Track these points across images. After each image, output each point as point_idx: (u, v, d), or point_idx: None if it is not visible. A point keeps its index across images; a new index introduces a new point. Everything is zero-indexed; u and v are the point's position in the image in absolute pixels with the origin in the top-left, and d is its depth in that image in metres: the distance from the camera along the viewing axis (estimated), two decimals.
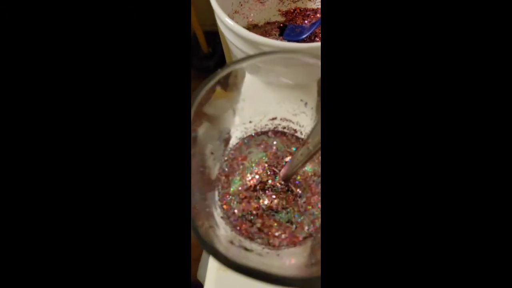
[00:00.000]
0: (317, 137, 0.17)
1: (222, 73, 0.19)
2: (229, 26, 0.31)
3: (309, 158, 0.18)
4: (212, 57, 0.82)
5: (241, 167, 0.25)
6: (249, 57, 0.21)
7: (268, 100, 0.23)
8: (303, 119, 0.24)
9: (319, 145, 0.17)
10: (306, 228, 0.22)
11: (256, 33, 0.29)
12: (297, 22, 0.41)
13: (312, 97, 0.22)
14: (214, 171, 0.25)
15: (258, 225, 0.23)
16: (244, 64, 0.21)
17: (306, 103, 0.23)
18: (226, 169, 0.25)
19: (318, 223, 0.23)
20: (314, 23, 0.38)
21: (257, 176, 0.24)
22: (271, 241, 0.21)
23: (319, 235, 0.22)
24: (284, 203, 0.23)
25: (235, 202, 0.24)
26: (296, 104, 0.23)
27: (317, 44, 0.28)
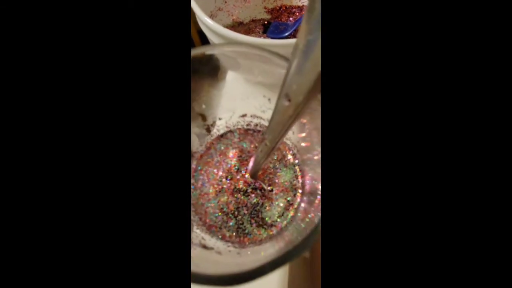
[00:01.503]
0: (272, 133, 0.16)
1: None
2: (207, 25, 0.30)
3: (268, 154, 0.18)
4: None
5: (212, 163, 0.25)
6: (220, 45, 0.20)
7: (233, 96, 0.23)
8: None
9: (276, 141, 0.17)
10: (280, 220, 0.22)
11: (240, 31, 0.29)
12: (282, 20, 0.41)
13: (276, 93, 0.21)
14: None
15: (233, 225, 0.22)
16: (216, 51, 0.21)
17: (269, 99, 0.22)
18: (197, 166, 0.25)
19: (287, 218, 0.22)
20: (297, 20, 0.38)
21: (227, 173, 0.24)
22: (239, 239, 0.21)
23: (288, 232, 0.22)
24: (254, 200, 0.23)
25: (205, 199, 0.23)
26: (261, 100, 0.22)
27: (294, 40, 0.27)
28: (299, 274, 0.23)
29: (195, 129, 0.25)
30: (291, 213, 0.23)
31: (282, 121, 0.15)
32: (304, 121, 0.21)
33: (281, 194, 0.24)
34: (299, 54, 0.12)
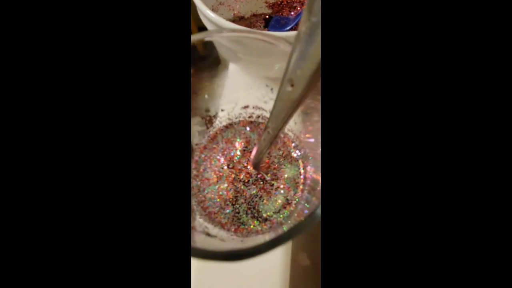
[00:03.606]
0: (275, 121, 0.17)
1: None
2: (209, 18, 0.30)
3: (271, 142, 0.18)
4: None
5: (215, 155, 0.25)
6: (219, 30, 0.20)
7: (236, 87, 0.23)
8: None
9: (278, 128, 0.17)
10: (275, 216, 0.22)
11: (242, 25, 0.29)
12: (284, 14, 0.41)
13: (278, 83, 0.22)
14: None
15: (230, 213, 0.23)
16: (215, 37, 0.21)
17: (272, 89, 0.22)
18: (200, 158, 0.25)
19: (288, 210, 0.23)
20: (299, 14, 0.38)
21: (229, 162, 0.24)
22: (235, 228, 0.21)
23: (291, 220, 0.22)
24: (253, 191, 0.23)
25: (205, 184, 0.24)
26: (264, 90, 0.23)
27: (294, 33, 0.27)
28: (301, 282, 0.24)
29: (198, 120, 0.25)
30: (288, 212, 0.23)
31: (285, 107, 0.15)
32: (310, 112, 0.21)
33: (281, 191, 0.24)
34: (302, 39, 0.12)
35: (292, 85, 0.13)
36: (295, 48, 0.13)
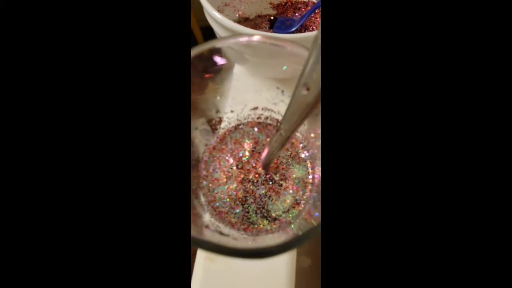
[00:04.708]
0: (288, 123, 0.17)
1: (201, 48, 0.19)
2: (216, 19, 0.31)
3: (282, 144, 0.19)
4: None
5: (224, 156, 0.25)
6: (228, 37, 0.21)
7: (245, 89, 0.23)
8: (283, 108, 0.24)
9: (291, 130, 0.17)
10: (284, 215, 0.23)
11: (247, 26, 0.29)
12: (288, 15, 0.41)
13: (289, 85, 0.22)
14: (198, 159, 0.25)
15: (240, 212, 0.23)
16: (225, 44, 0.22)
17: (283, 91, 0.23)
18: (210, 158, 0.25)
19: (297, 209, 0.23)
20: (303, 16, 0.38)
21: (238, 162, 0.25)
22: (245, 227, 0.22)
23: (300, 220, 0.23)
24: (262, 191, 0.24)
25: (215, 185, 0.24)
26: (274, 92, 0.23)
27: (301, 35, 0.28)
28: (304, 281, 0.24)
29: (207, 121, 0.25)
30: (296, 211, 0.23)
31: (299, 110, 0.15)
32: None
33: (290, 191, 0.24)
34: (319, 44, 0.12)
35: (307, 89, 0.14)
36: (312, 52, 0.13)
